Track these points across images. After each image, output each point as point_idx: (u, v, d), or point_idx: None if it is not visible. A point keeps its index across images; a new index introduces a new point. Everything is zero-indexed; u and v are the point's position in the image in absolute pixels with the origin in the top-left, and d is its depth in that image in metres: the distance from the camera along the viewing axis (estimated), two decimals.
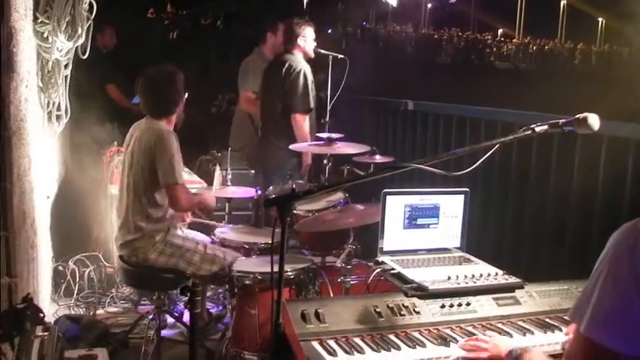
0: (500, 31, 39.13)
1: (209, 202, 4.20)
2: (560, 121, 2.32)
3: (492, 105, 5.41)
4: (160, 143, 3.78)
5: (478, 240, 3.32)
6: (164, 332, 4.18)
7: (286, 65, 5.23)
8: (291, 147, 4.53)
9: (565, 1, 39.07)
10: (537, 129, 2.34)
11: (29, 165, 3.85)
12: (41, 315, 3.42)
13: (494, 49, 34.76)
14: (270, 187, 4.60)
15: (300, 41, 5.32)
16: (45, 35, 3.97)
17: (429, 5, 37.30)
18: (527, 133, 2.36)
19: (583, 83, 17.57)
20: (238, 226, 4.45)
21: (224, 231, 4.31)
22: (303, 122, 5.16)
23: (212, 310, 4.62)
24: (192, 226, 4.56)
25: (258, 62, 6.02)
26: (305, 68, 5.22)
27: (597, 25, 38.75)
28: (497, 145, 2.35)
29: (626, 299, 1.53)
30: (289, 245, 4.26)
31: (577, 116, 2.28)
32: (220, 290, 4.81)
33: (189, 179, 5.01)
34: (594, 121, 2.25)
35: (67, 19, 3.98)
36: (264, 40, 6.15)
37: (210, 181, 5.14)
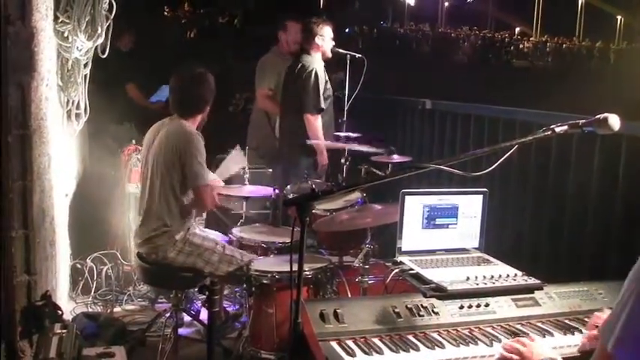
0: (517, 29, 38.91)
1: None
2: (580, 121, 2.31)
3: (510, 104, 5.38)
4: (188, 145, 3.84)
5: (497, 240, 3.30)
6: (181, 331, 4.21)
7: (299, 65, 5.24)
8: (308, 142, 4.52)
9: None
10: (557, 129, 2.33)
11: (49, 163, 3.88)
12: (59, 312, 3.45)
13: (512, 47, 34.55)
14: (288, 186, 4.60)
15: (318, 40, 5.31)
16: (65, 35, 4.01)
17: (446, 4, 37.21)
18: (547, 133, 2.35)
19: (601, 81, 17.41)
20: (256, 225, 4.47)
21: (241, 230, 4.32)
22: (314, 122, 5.15)
23: (229, 309, 4.63)
24: (209, 224, 4.58)
25: (274, 60, 6.04)
26: (317, 68, 5.20)
27: (616, 22, 38.42)
28: (516, 146, 2.34)
29: None
30: (307, 244, 4.26)
31: (597, 117, 2.26)
32: (237, 289, 4.82)
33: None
34: (615, 121, 2.24)
35: (87, 19, 4.01)
36: (277, 39, 6.17)
37: (227, 181, 5.15)
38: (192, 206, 3.98)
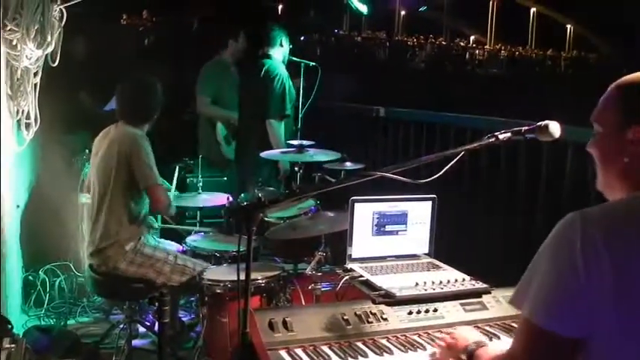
0: (472, 37, 39.45)
1: None
2: (523, 128, 2.36)
3: (465, 111, 5.47)
4: (134, 147, 3.82)
5: (450, 246, 3.37)
6: (136, 342, 4.17)
7: (264, 70, 5.23)
8: (262, 154, 4.53)
9: (535, 9, 39.51)
10: (500, 136, 2.38)
11: None
12: (9, 326, 3.39)
13: (467, 55, 35.04)
14: (242, 195, 4.59)
15: (274, 47, 5.33)
16: (14, 43, 3.93)
17: (402, 12, 37.56)
18: (491, 140, 2.39)
19: (552, 89, 17.77)
20: (209, 234, 4.45)
21: (195, 239, 4.30)
22: (278, 128, 5.16)
23: (184, 319, 4.60)
24: (164, 234, 4.55)
25: (216, 68, 6.06)
26: (284, 74, 5.22)
27: (566, 32, 39.23)
28: (463, 152, 2.38)
29: (565, 287, 1.60)
30: (261, 253, 4.27)
31: (538, 124, 2.31)
32: (193, 298, 4.80)
33: None
34: (555, 128, 2.29)
35: (36, 27, 3.95)
36: (225, 45, 6.16)
37: (182, 189, 5.13)
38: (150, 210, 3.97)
